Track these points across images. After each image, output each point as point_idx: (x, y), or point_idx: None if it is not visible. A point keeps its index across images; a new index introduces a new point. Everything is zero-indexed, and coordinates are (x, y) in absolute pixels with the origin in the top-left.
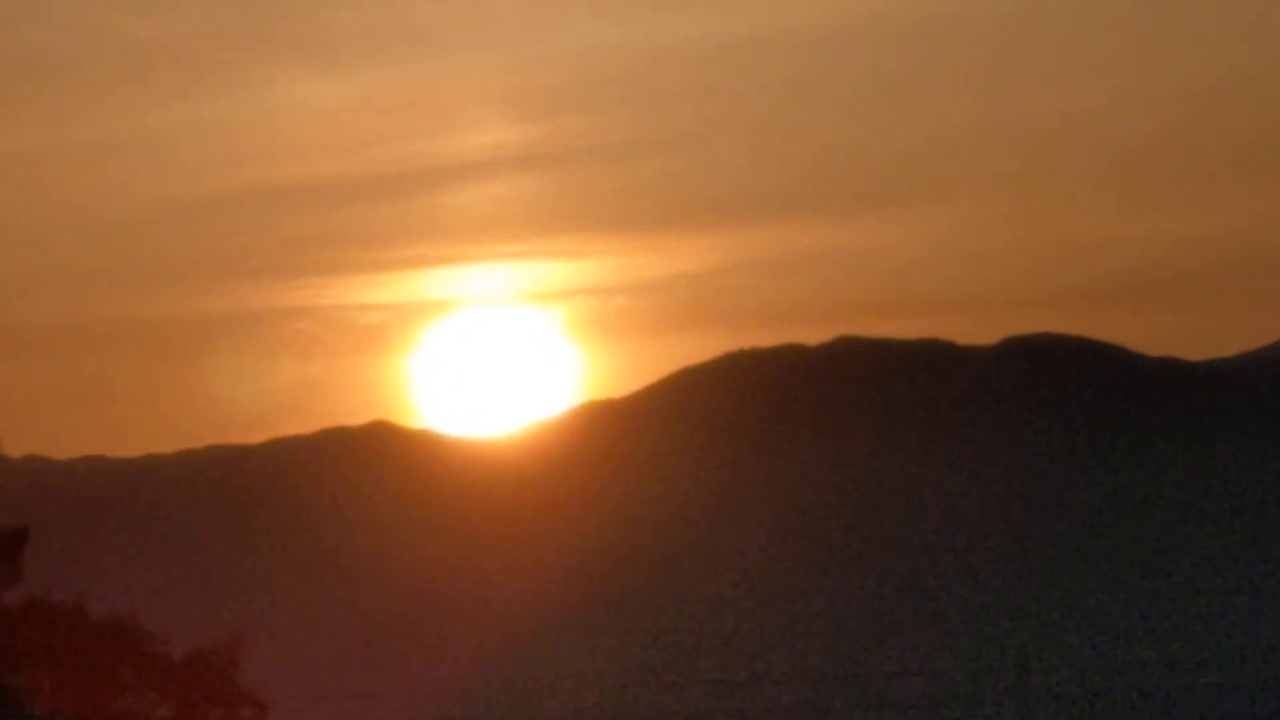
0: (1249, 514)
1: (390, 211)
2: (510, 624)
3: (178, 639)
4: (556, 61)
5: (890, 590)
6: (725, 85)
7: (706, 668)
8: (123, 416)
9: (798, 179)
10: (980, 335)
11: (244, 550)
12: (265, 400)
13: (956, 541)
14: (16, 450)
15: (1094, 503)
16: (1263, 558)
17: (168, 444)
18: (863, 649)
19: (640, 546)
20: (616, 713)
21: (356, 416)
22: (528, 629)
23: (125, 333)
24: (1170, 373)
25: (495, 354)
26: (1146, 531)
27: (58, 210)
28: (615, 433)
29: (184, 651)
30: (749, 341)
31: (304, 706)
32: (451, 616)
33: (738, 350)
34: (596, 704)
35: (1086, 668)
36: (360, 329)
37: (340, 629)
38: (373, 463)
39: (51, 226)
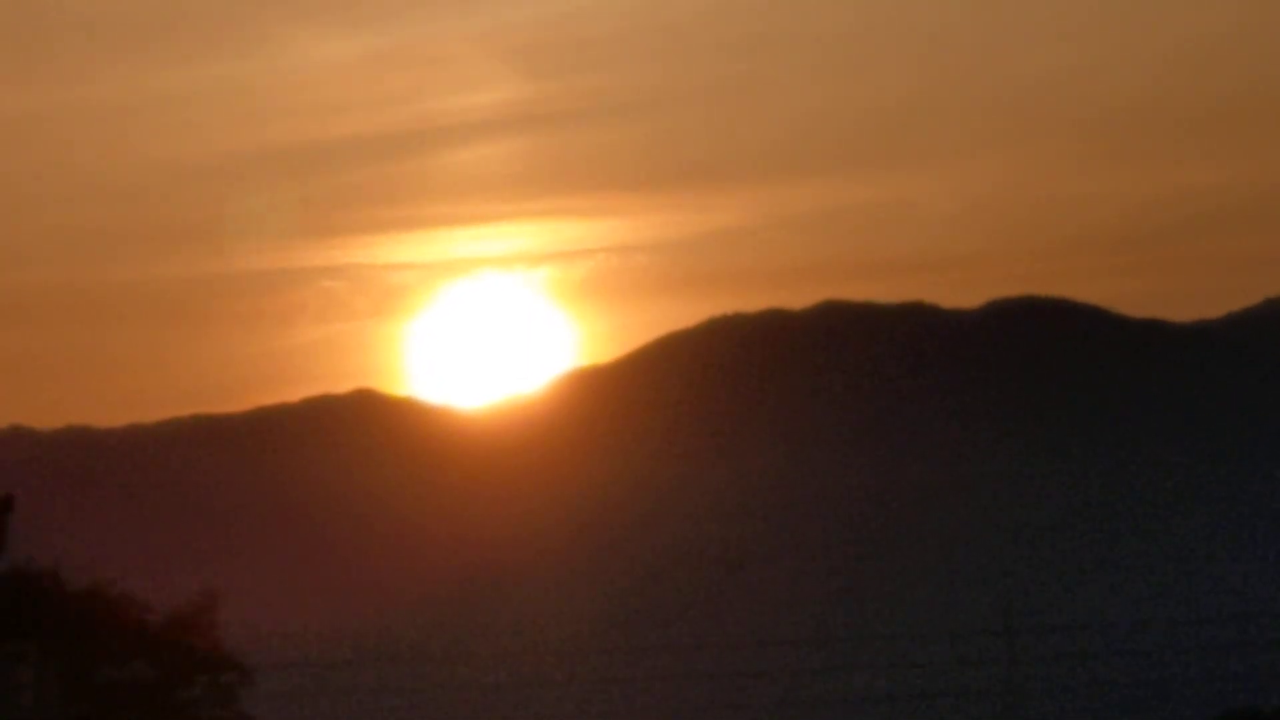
0: (1236, 475)
1: (412, 169)
2: (481, 588)
3: (161, 608)
4: (572, 18)
5: (873, 552)
6: (723, 44)
7: (684, 631)
8: (109, 386)
9: (783, 141)
10: (964, 298)
11: (226, 519)
12: (255, 367)
13: (941, 503)
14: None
15: (1079, 463)
16: (1250, 517)
17: (154, 413)
18: (846, 610)
19: (616, 512)
20: (586, 674)
21: (347, 382)
22: (499, 593)
23: (121, 299)
24: (1155, 334)
25: (497, 318)
26: (1132, 492)
27: (66, 173)
28: (597, 402)
29: (164, 616)
30: (732, 305)
31: (287, 671)
32: (428, 581)
33: (722, 315)
34: (560, 665)
35: (1072, 628)
36: (386, 288)
37: (321, 595)
38: (354, 431)
39: (55, 190)
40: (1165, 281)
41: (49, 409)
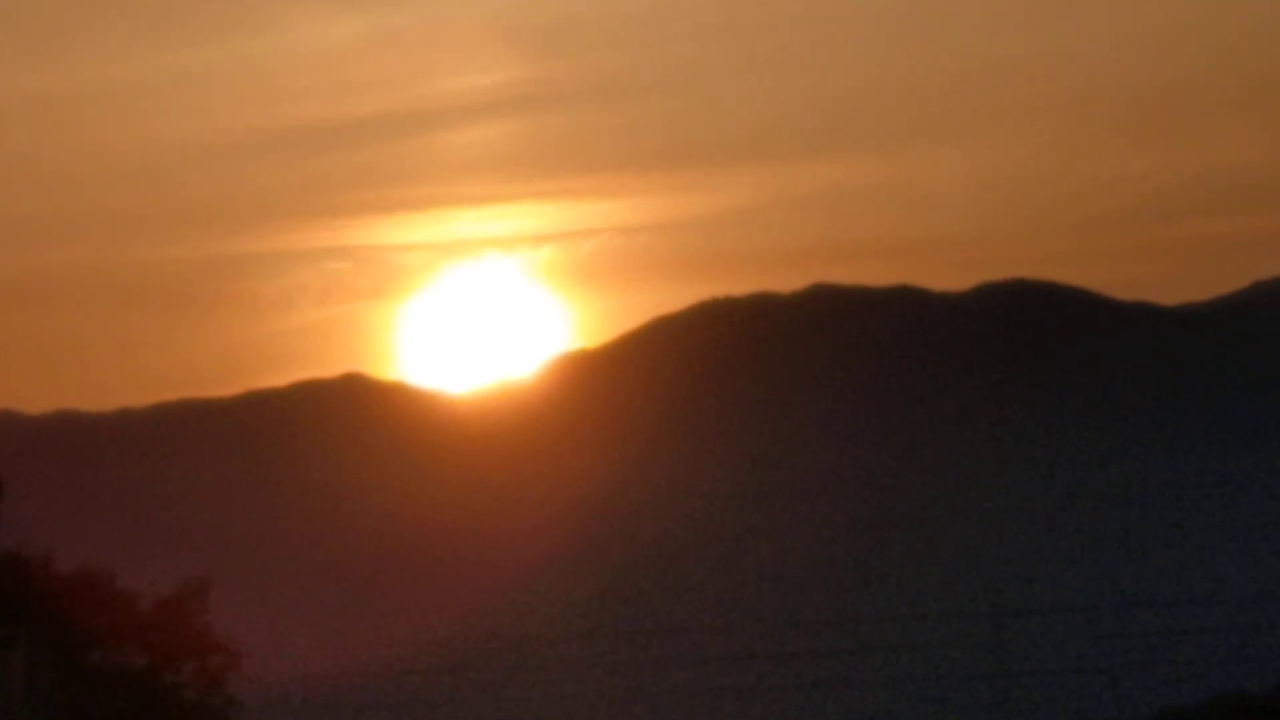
0: (1224, 457)
1: (416, 150)
2: (474, 574)
3: (152, 593)
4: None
5: (863, 533)
6: (720, 24)
7: (673, 614)
8: (102, 370)
9: (770, 125)
10: (953, 281)
11: (215, 504)
12: (250, 351)
13: (930, 484)
14: None
15: (1068, 447)
16: (1239, 500)
17: (145, 397)
18: (836, 593)
19: (605, 496)
20: (579, 658)
21: (338, 366)
22: (491, 578)
23: (117, 283)
24: (1144, 317)
25: (491, 301)
26: (1119, 475)
27: (63, 156)
28: (587, 386)
29: (153, 601)
30: (722, 289)
31: (278, 655)
32: (418, 565)
33: (711, 298)
34: (552, 658)
35: (1061, 611)
36: (390, 270)
37: (312, 579)
38: (342, 416)
39: (51, 174)
40: (1153, 265)
41: (39, 394)
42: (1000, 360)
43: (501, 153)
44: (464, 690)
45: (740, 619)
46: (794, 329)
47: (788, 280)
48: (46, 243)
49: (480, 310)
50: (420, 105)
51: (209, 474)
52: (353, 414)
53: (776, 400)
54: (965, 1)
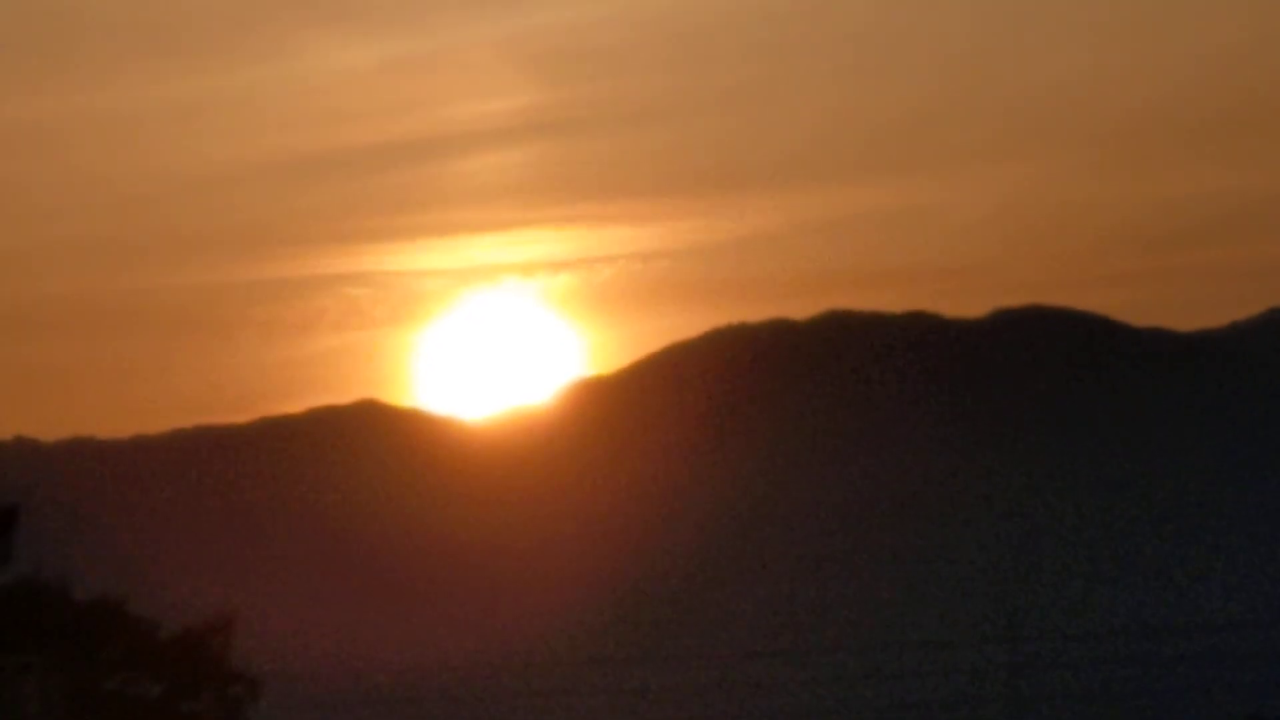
0: (1239, 483)
1: (435, 176)
2: (487, 599)
3: (168, 620)
4: (590, 25)
5: (878, 561)
6: (737, 51)
7: (688, 641)
8: (113, 397)
9: (785, 150)
10: (968, 307)
11: (231, 531)
12: (267, 377)
13: (945, 512)
14: (4, 432)
15: (1084, 473)
16: (1254, 526)
17: (160, 424)
18: (852, 619)
19: (619, 524)
20: (591, 684)
21: (354, 392)
22: (505, 604)
23: (133, 309)
24: (1158, 343)
25: (508, 327)
26: (1135, 501)
27: (77, 181)
28: (601, 413)
29: (174, 631)
30: (736, 316)
31: (297, 682)
32: (432, 591)
33: (726, 325)
34: (568, 687)
35: (1076, 637)
36: (409, 295)
37: (332, 606)
38: (356, 442)
39: (67, 198)
40: (1168, 290)
41: (53, 420)
42: (1016, 386)
43: (520, 178)
44: (476, 714)
45: (755, 645)
46: (809, 355)
47: (803, 307)
48: (61, 268)
49: (496, 336)
50: (438, 130)
51: (224, 500)
52: (368, 440)
53: (791, 426)
54: (976, 27)
